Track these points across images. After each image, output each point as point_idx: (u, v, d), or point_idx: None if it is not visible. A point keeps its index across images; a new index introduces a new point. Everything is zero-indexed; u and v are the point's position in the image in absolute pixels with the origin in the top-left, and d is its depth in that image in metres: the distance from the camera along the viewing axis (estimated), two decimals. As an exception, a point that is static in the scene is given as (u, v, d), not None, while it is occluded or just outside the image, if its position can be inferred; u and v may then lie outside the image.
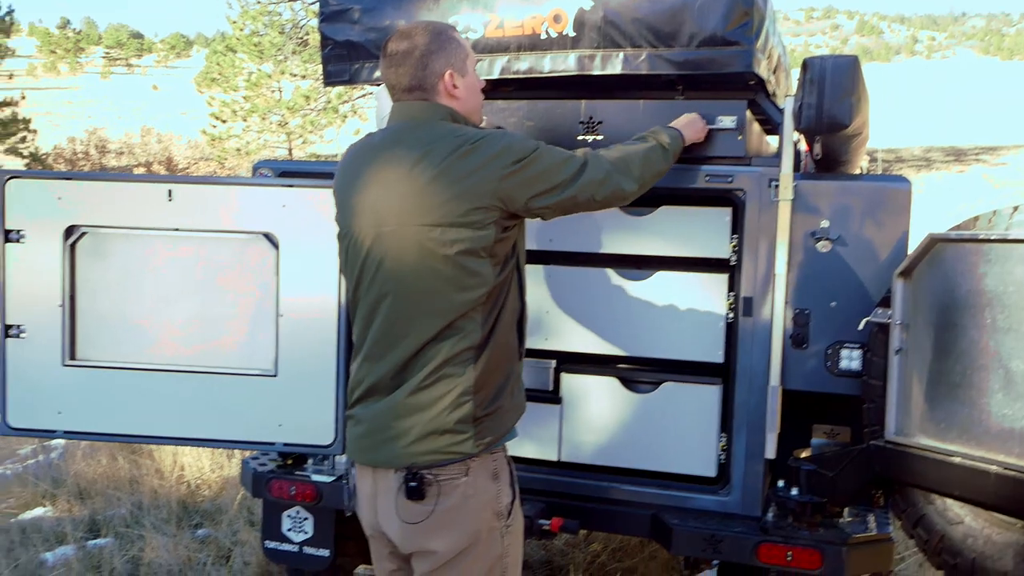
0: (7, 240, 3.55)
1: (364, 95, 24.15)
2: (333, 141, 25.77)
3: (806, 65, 3.15)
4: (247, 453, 4.00)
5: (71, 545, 5.24)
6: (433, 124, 2.52)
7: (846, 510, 3.21)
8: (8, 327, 3.58)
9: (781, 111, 3.31)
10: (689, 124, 3.19)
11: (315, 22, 22.33)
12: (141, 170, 27.74)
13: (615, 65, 3.25)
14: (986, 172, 30.86)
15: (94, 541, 5.38)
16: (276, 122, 25.49)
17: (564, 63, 3.30)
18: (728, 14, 3.11)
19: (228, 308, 3.51)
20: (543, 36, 3.30)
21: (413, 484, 2.43)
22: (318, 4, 3.69)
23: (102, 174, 3.57)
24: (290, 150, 27.64)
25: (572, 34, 3.27)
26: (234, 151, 25.99)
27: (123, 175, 3.82)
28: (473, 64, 2.65)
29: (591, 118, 3.51)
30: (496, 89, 3.51)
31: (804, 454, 3.34)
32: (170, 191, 3.50)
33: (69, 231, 3.54)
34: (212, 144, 26.32)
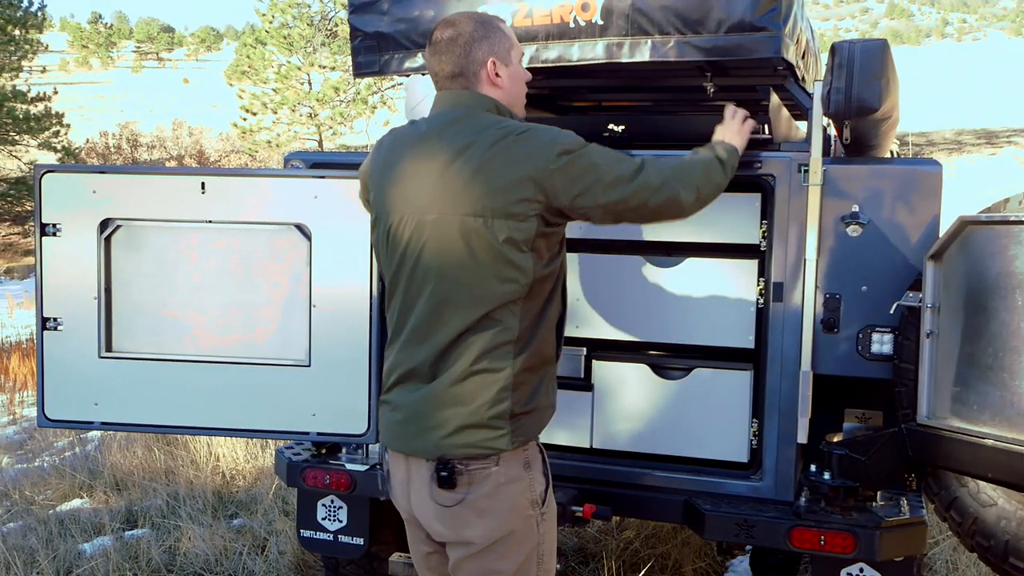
0: (44, 234, 3.61)
1: (393, 86, 24.27)
2: (363, 132, 25.89)
3: (834, 49, 3.13)
4: (281, 443, 4.04)
5: (108, 536, 5.31)
6: (478, 114, 2.52)
7: (879, 494, 3.21)
8: (46, 320, 3.64)
9: (810, 96, 3.30)
10: (739, 133, 3.05)
11: (344, 14, 22.46)
12: (173, 163, 27.98)
13: (643, 52, 3.24)
14: (1018, 154, 30.51)
15: (131, 532, 5.45)
16: (306, 114, 25.63)
17: (592, 51, 3.30)
18: (756, 0, 3.10)
19: (261, 299, 3.55)
20: (571, 24, 3.30)
21: (444, 474, 2.45)
22: (347, -4, 3.71)
23: (136, 167, 3.62)
24: (320, 141, 27.80)
25: (600, 22, 3.27)
26: (264, 143, 26.19)
27: (156, 168, 3.87)
28: (519, 55, 2.66)
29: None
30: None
31: (836, 438, 3.33)
32: (203, 183, 3.54)
33: (104, 224, 3.59)
34: (243, 137, 26.52)
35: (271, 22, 24.61)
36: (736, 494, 3.36)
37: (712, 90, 3.63)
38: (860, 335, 3.19)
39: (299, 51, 24.79)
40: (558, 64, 3.36)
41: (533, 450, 2.57)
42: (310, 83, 26.34)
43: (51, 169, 3.61)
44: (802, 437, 3.20)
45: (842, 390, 3.40)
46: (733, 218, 3.39)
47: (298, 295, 3.51)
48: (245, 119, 26.27)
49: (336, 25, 23.54)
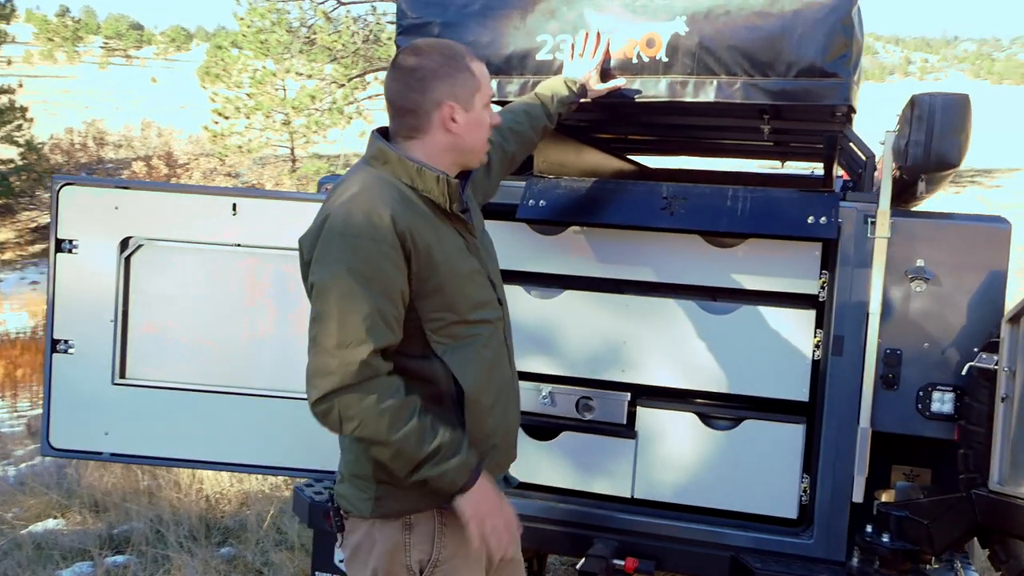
0: (59, 250, 3.43)
1: (370, 96, 24.05)
2: (337, 142, 25.66)
3: (914, 102, 3.04)
4: (298, 479, 3.86)
5: (88, 562, 5.08)
6: (361, 169, 2.35)
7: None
8: (56, 342, 3.46)
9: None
10: (484, 496, 2.30)
11: (322, 21, 22.26)
12: (140, 164, 27.54)
13: (708, 93, 3.14)
14: (981, 194, 30.96)
15: (113, 558, 5.22)
16: (280, 121, 25.38)
17: (655, 88, 3.19)
18: (828, 44, 3.02)
19: (293, 329, 3.38)
20: (634, 60, 3.20)
21: (331, 514, 2.43)
22: (395, 15, 3.57)
23: (163, 184, 3.45)
24: (292, 149, 27.54)
25: (665, 59, 3.17)
26: (235, 148, 25.87)
27: (184, 186, 3.72)
28: (484, 100, 2.38)
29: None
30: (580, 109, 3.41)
31: (884, 496, 3.23)
32: (235, 204, 3.38)
33: (125, 243, 3.42)
34: (213, 140, 26.19)
35: (249, 26, 24.33)
36: (785, 552, 3.23)
37: (768, 131, 3.54)
38: (920, 393, 3.09)
39: (275, 57, 24.53)
40: (617, 100, 3.24)
41: (423, 514, 2.35)
42: (285, 90, 26.09)
43: (70, 182, 3.44)
44: (858, 496, 3.07)
45: (889, 446, 3.29)
46: (792, 267, 3.28)
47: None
48: (217, 122, 25.94)
49: (314, 33, 23.28)
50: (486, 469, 2.35)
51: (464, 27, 3.37)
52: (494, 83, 3.36)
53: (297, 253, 2.35)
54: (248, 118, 25.75)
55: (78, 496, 6.35)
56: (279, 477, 6.31)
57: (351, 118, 24.31)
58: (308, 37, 23.65)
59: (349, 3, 22.31)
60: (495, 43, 3.34)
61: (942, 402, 3.07)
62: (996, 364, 2.82)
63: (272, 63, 25.15)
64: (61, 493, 6.40)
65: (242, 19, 23.97)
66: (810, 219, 3.09)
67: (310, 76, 24.75)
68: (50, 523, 5.97)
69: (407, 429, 2.16)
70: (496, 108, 2.98)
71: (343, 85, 23.35)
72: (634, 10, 3.19)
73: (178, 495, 6.26)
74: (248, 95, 25.65)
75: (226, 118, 25.65)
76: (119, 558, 5.21)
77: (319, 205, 3.27)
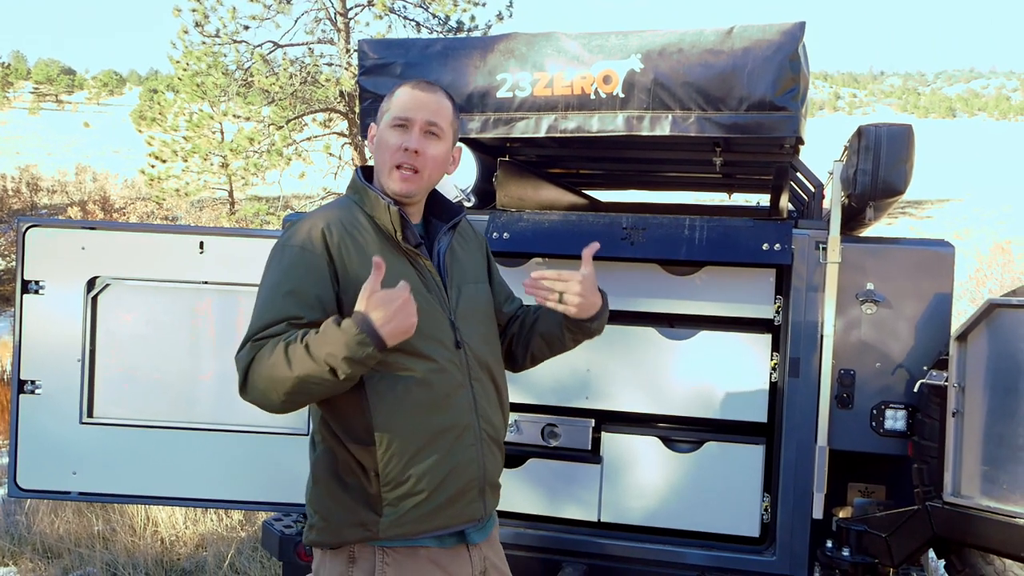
0: (25, 291, 3.43)
1: (308, 138, 24.03)
2: (275, 183, 25.54)
3: (861, 132, 3.19)
4: (262, 514, 3.88)
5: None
6: (329, 203, 2.44)
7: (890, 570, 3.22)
8: (23, 383, 3.45)
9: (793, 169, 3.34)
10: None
11: (259, 64, 22.23)
12: (75, 209, 27.16)
13: (664, 127, 3.26)
14: (913, 224, 31.71)
15: (69, 605, 5.15)
16: (217, 163, 25.20)
17: (612, 123, 3.31)
18: (777, 80, 3.15)
19: (260, 364, 3.42)
20: (592, 96, 3.31)
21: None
22: (358, 56, 3.64)
23: (129, 224, 3.46)
24: (231, 191, 27.35)
25: (621, 95, 3.28)
26: (173, 191, 25.63)
27: (151, 225, 3.73)
28: (390, 120, 2.32)
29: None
30: (536, 144, 3.51)
31: (842, 513, 3.34)
32: (202, 243, 3.42)
33: (92, 283, 3.43)
34: (150, 184, 25.91)
35: (184, 69, 24.18)
36: (749, 569, 3.32)
37: (719, 163, 3.67)
38: (874, 411, 3.21)
39: (212, 100, 24.39)
40: (576, 135, 3.35)
41: (364, 549, 2.30)
42: (222, 132, 25.96)
43: (36, 224, 3.45)
44: (818, 512, 3.20)
45: (845, 464, 3.41)
46: (747, 293, 3.40)
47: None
48: (153, 166, 25.69)
49: (251, 76, 23.23)
50: (413, 522, 2.26)
51: (426, 67, 3.46)
52: (455, 120, 3.45)
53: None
54: (185, 161, 25.51)
55: (29, 542, 6.25)
56: (235, 517, 6.28)
57: (290, 160, 24.20)
58: (245, 80, 23.60)
59: (285, 45, 22.37)
60: (456, 82, 3.43)
61: (895, 419, 3.20)
62: (946, 381, 2.96)
63: (208, 106, 25.01)
64: (8, 540, 6.28)
65: (178, 62, 23.80)
66: (764, 246, 3.22)
67: (248, 119, 24.63)
68: (0, 571, 5.87)
69: (285, 355, 2.06)
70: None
71: (281, 127, 23.28)
72: (591, 49, 3.30)
73: (133, 538, 6.19)
74: (185, 138, 25.45)
75: (163, 161, 25.38)
76: (75, 605, 5.14)
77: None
